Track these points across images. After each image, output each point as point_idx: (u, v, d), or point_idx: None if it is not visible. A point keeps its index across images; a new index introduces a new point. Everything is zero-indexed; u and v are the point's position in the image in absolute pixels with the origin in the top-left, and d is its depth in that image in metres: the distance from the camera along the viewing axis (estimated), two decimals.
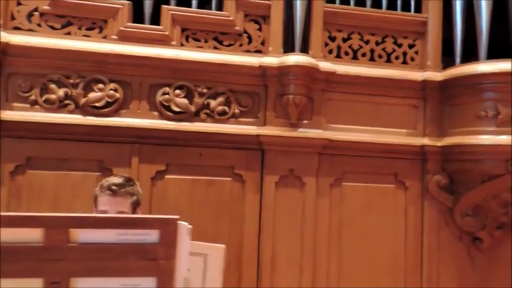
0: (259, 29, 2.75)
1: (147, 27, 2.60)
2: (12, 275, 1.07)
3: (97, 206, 1.87)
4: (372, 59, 2.85)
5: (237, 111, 2.68)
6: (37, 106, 2.46)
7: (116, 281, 1.10)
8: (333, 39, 2.83)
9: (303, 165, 2.69)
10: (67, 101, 2.48)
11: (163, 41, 2.61)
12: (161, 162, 2.57)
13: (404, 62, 2.87)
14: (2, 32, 2.39)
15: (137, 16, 2.66)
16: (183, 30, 2.66)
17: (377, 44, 2.85)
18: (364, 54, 2.85)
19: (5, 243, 1.06)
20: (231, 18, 2.68)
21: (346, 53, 2.84)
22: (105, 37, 2.56)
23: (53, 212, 1.96)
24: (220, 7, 2.72)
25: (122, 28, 2.56)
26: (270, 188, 2.65)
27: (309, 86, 2.69)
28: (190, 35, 2.68)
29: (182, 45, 2.65)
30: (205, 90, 2.62)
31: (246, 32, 2.74)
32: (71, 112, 2.48)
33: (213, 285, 1.20)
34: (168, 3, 2.66)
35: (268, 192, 2.65)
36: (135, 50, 2.53)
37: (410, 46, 2.88)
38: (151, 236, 1.10)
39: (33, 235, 1.06)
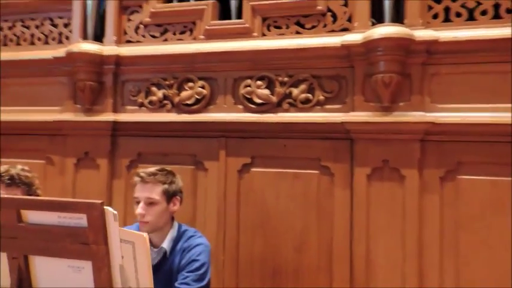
0: (345, 5, 2.43)
1: (228, 23, 2.59)
2: None
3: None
4: (495, 17, 2.20)
5: (321, 98, 2.41)
6: (143, 107, 2.72)
7: (64, 262, 1.13)
8: (439, 0, 2.30)
9: (400, 155, 2.22)
10: (165, 101, 2.67)
11: (244, 33, 2.53)
12: (247, 155, 2.50)
13: None
14: (115, 47, 2.77)
15: (226, 12, 2.70)
16: (264, 20, 2.52)
17: None
18: (484, 12, 2.22)
19: None
20: None
21: (458, 15, 2.25)
22: (194, 38, 2.66)
23: None
24: None
25: (207, 27, 2.61)
26: (361, 181, 2.28)
27: (404, 60, 2.21)
28: (272, 23, 2.53)
29: (264, 35, 2.52)
30: (286, 79, 2.45)
31: (329, 10, 2.45)
32: (168, 111, 2.66)
33: (144, 274, 1.10)
34: None
35: (360, 187, 2.29)
36: (218, 46, 2.53)
37: None
38: (83, 220, 1.08)
39: None
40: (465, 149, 2.15)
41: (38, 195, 2.21)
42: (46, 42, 2.99)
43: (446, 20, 2.25)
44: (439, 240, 2.16)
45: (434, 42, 2.17)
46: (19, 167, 2.19)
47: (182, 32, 2.69)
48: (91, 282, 1.06)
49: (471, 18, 2.21)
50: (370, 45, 2.21)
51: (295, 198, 2.40)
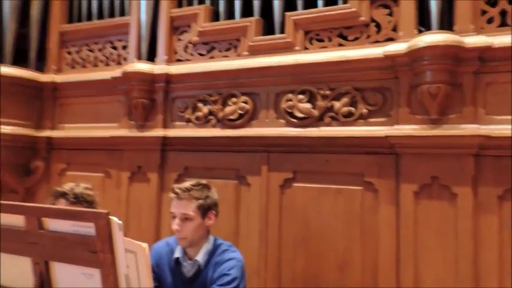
0: (390, 14, 2.32)
1: (270, 38, 2.57)
2: (9, 251, 1.28)
3: None
4: None
5: (364, 111, 2.29)
6: (190, 123, 2.77)
7: (78, 269, 1.16)
8: (493, 4, 2.10)
9: (451, 172, 2.02)
10: (210, 117, 2.70)
11: (286, 48, 2.49)
12: (288, 170, 2.44)
13: None
14: (165, 65, 2.88)
15: (270, 28, 2.70)
16: (306, 33, 2.47)
17: None
18: None
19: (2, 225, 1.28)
20: (354, 9, 2.36)
21: None
22: (238, 54, 2.69)
23: None
24: (345, 0, 2.45)
25: (250, 43, 2.62)
26: (408, 199, 2.12)
27: (453, 69, 2.03)
28: (314, 36, 2.48)
29: (306, 48, 2.48)
30: (328, 92, 2.37)
31: (373, 20, 2.35)
32: (213, 126, 2.69)
33: (145, 284, 1.08)
34: (295, 8, 2.59)
35: (406, 205, 2.12)
36: (260, 61, 2.51)
37: None
38: (92, 229, 1.10)
39: (19, 221, 1.24)
40: None
41: None
42: (107, 64, 3.19)
43: (503, 24, 2.05)
44: (497, 266, 1.93)
45: (488, 49, 1.98)
46: (82, 185, 2.26)
47: (227, 49, 2.73)
48: None
49: None
50: (415, 55, 2.07)
51: (338, 215, 2.29)
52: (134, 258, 1.08)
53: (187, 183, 1.91)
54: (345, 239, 2.26)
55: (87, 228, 1.08)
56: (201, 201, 1.88)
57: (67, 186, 2.22)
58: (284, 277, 2.38)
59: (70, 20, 3.41)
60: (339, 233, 2.27)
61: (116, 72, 2.94)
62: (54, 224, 1.15)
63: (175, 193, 1.87)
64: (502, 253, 1.94)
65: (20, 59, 3.27)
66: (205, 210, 1.90)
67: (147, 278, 1.08)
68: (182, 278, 1.94)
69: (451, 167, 2.03)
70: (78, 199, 2.16)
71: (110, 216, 1.05)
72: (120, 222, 1.06)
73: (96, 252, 1.07)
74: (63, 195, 2.15)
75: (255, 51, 2.60)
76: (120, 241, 1.05)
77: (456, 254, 1.99)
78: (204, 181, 2.03)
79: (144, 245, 1.12)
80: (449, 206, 2.02)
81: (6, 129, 3.14)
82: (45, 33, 3.37)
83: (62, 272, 1.18)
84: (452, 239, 2.00)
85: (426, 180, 2.07)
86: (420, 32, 2.16)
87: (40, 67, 3.35)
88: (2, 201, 1.21)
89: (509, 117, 1.97)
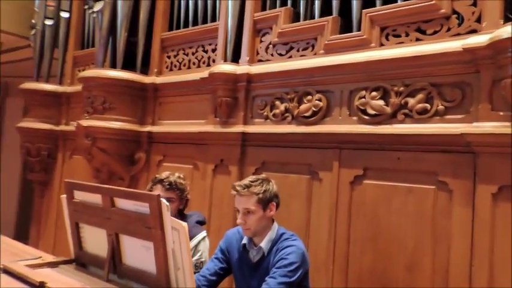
0: (474, 4, 2.13)
1: (346, 36, 2.54)
2: (91, 222, 1.49)
3: None
4: None
5: (441, 107, 2.14)
6: (268, 120, 2.87)
7: (139, 242, 1.32)
8: None
9: None
10: (286, 114, 2.76)
11: (362, 45, 2.44)
12: (359, 166, 2.39)
13: None
14: (247, 66, 3.01)
15: (349, 26, 2.66)
16: (382, 29, 2.40)
17: None
18: None
19: (84, 202, 1.49)
20: (433, 1, 2.22)
21: None
22: (315, 53, 2.71)
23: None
24: None
25: (326, 42, 2.63)
26: (486, 201, 1.94)
27: None
28: (390, 32, 2.39)
29: (382, 45, 2.40)
30: (402, 89, 2.26)
31: (455, 12, 2.19)
32: (289, 123, 2.75)
33: (186, 258, 1.15)
34: (374, 5, 2.52)
35: (483, 207, 1.94)
36: (334, 59, 2.50)
37: None
38: (147, 208, 1.24)
39: (96, 199, 1.44)
40: None
41: (187, 200, 2.55)
42: (198, 66, 3.45)
43: None
44: None
45: None
46: (176, 174, 2.51)
47: (305, 49, 2.77)
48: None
49: None
50: (498, 47, 1.90)
51: (409, 214, 2.19)
52: (178, 235, 1.20)
53: (246, 180, 2.00)
54: (415, 239, 2.15)
55: (144, 208, 1.24)
56: (260, 196, 1.95)
57: (164, 175, 2.47)
58: (351, 273, 2.35)
59: (170, 28, 3.74)
60: (408, 233, 2.18)
61: (204, 73, 3.17)
62: (122, 203, 1.33)
63: (236, 190, 1.97)
64: None
65: (127, 64, 3.68)
66: (265, 202, 1.97)
67: (187, 253, 1.19)
68: (248, 263, 2.04)
69: None
70: (172, 186, 2.40)
71: (161, 198, 1.18)
72: (167, 203, 1.19)
73: (150, 228, 1.21)
74: (160, 181, 2.40)
75: (330, 50, 2.60)
76: (168, 219, 1.18)
77: None
78: (263, 175, 2.11)
79: (184, 224, 1.23)
80: None
81: (117, 124, 3.58)
82: (149, 41, 3.74)
83: (128, 244, 1.35)
84: None
85: (507, 182, 1.89)
86: (508, 19, 1.96)
87: (144, 70, 3.73)
88: (83, 182, 1.42)
89: None
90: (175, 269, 1.20)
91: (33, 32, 4.61)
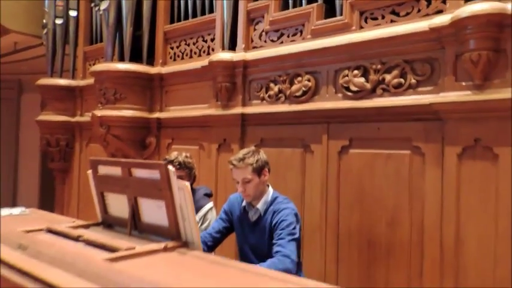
0: None
1: (330, 21, 2.77)
2: (113, 190, 1.79)
3: None
4: None
5: (413, 81, 2.39)
6: (264, 101, 3.14)
7: (154, 202, 1.61)
8: None
9: (493, 134, 2.07)
10: (280, 95, 3.02)
11: (344, 28, 2.69)
12: (345, 138, 2.66)
13: None
14: (243, 53, 3.27)
15: (332, 11, 2.89)
16: (361, 13, 2.64)
17: None
18: None
19: (106, 175, 1.79)
20: None
21: None
22: (303, 38, 2.95)
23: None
24: None
25: (313, 27, 2.86)
26: (452, 160, 2.20)
27: (496, 36, 2.04)
28: (368, 16, 2.62)
29: (361, 27, 2.64)
30: (379, 66, 2.51)
31: None
32: (282, 103, 3.01)
33: (190, 212, 1.44)
34: None
35: (450, 166, 2.20)
36: (320, 43, 2.75)
37: None
38: (158, 175, 1.53)
39: (116, 172, 1.73)
40: None
41: (195, 176, 2.84)
42: (199, 55, 3.72)
43: None
44: None
45: None
46: (184, 154, 2.80)
47: (294, 34, 3.01)
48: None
49: None
50: (458, 25, 2.14)
51: (388, 177, 2.46)
52: (183, 193, 1.48)
53: (240, 154, 2.27)
54: (394, 198, 2.43)
55: (155, 174, 1.52)
56: (254, 165, 2.22)
57: (173, 155, 2.76)
58: (341, 231, 2.64)
59: (172, 21, 3.99)
60: (389, 194, 2.45)
61: (205, 61, 3.43)
62: (137, 172, 1.62)
63: (233, 164, 2.24)
64: None
65: (134, 56, 3.95)
66: (259, 170, 2.24)
67: (191, 206, 1.48)
68: (248, 222, 2.33)
69: (493, 129, 2.07)
70: (181, 165, 2.69)
71: (168, 166, 1.47)
72: (173, 169, 1.47)
73: (161, 189, 1.50)
74: (171, 162, 2.68)
75: (317, 34, 2.84)
76: (175, 182, 1.47)
77: (496, 212, 2.05)
78: (252, 147, 2.38)
79: (187, 183, 1.52)
80: (491, 166, 2.07)
81: (128, 113, 3.88)
82: (153, 34, 4.00)
83: (144, 205, 1.65)
84: (493, 197, 2.06)
85: (469, 143, 2.15)
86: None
87: (150, 62, 4.00)
88: (106, 158, 1.71)
89: None
90: (182, 220, 1.49)
91: (45, 31, 4.89)
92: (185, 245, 1.49)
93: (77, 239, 1.55)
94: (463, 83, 2.18)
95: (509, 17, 2.01)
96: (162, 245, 1.43)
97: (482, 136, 2.10)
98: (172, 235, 1.53)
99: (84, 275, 1.14)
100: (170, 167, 1.47)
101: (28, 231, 1.65)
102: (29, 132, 7.39)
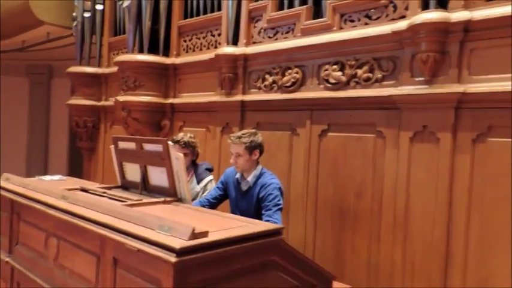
0: None
1: (314, 21, 3.25)
2: (129, 160, 2.37)
3: None
4: None
5: (379, 76, 2.86)
6: (261, 90, 3.66)
7: (158, 169, 2.19)
8: None
9: (436, 121, 2.54)
10: (273, 85, 3.53)
11: (327, 29, 3.17)
12: (324, 123, 3.16)
13: None
14: (244, 47, 3.78)
15: (320, 12, 3.36)
16: (341, 16, 3.11)
17: None
18: None
19: (124, 148, 2.37)
20: None
21: None
22: (294, 36, 3.44)
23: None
24: None
25: (302, 26, 3.35)
26: (405, 143, 2.67)
27: (443, 40, 2.49)
28: (347, 18, 3.08)
29: (341, 28, 3.11)
30: (353, 62, 2.98)
31: (391, 2, 2.85)
32: (275, 92, 3.53)
33: (183, 174, 1.99)
34: None
35: (404, 147, 2.68)
36: (308, 40, 3.22)
37: None
38: (161, 147, 2.10)
39: (131, 146, 2.31)
40: (496, 115, 2.35)
41: (198, 154, 3.42)
42: (208, 48, 4.25)
43: None
44: (467, 193, 2.43)
45: (469, 22, 2.40)
46: (188, 135, 3.38)
47: (287, 32, 3.50)
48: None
49: None
50: (413, 30, 2.59)
51: (357, 156, 2.97)
52: (178, 162, 2.04)
53: (239, 133, 2.81)
54: (361, 174, 2.93)
55: (159, 148, 2.09)
56: (247, 144, 2.75)
57: (179, 136, 3.33)
58: (319, 201, 3.17)
59: (185, 16, 4.53)
60: (357, 170, 2.96)
61: (211, 54, 3.96)
62: (147, 146, 2.20)
63: (231, 140, 2.79)
64: (472, 184, 2.43)
65: (152, 48, 4.53)
66: (251, 149, 2.77)
67: (183, 172, 2.04)
68: (240, 191, 2.88)
69: (436, 118, 2.54)
70: (186, 144, 3.26)
71: (168, 141, 2.03)
72: (172, 143, 2.04)
73: (163, 159, 2.07)
74: (177, 142, 3.26)
75: (305, 33, 3.33)
76: (173, 153, 2.03)
77: (437, 185, 2.53)
78: (253, 130, 2.91)
79: (181, 154, 2.07)
80: (435, 147, 2.55)
81: (146, 98, 4.47)
82: (168, 28, 4.56)
83: (151, 171, 2.23)
84: (435, 173, 2.54)
85: (419, 129, 2.62)
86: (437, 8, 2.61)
87: (165, 53, 4.57)
88: (121, 135, 2.30)
89: (484, 76, 2.39)
90: (178, 182, 2.05)
91: (74, 23, 5.52)
92: (179, 200, 2.06)
93: (102, 194, 2.15)
94: (416, 79, 2.65)
95: (452, 25, 2.46)
96: (162, 199, 2.01)
97: (429, 123, 2.58)
98: (170, 193, 2.10)
99: (108, 213, 1.71)
100: (170, 142, 2.03)
101: (67, 189, 2.25)
102: (58, 114, 8.17)
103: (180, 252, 1.25)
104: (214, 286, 1.41)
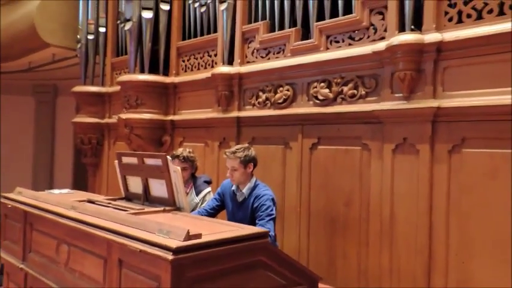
0: (383, 18, 3.04)
1: (303, 42, 3.50)
2: (132, 174, 2.59)
3: None
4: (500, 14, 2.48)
5: (363, 92, 3.09)
6: (255, 107, 3.90)
7: (158, 182, 2.41)
8: (453, 5, 2.69)
9: (415, 134, 2.75)
10: (266, 101, 3.77)
11: (314, 49, 3.42)
12: (315, 136, 3.38)
13: None
14: (238, 67, 4.02)
15: (308, 34, 3.61)
16: (327, 37, 3.36)
17: None
18: (491, 11, 2.52)
19: (127, 163, 2.59)
20: (358, 17, 3.14)
21: (469, 16, 2.61)
22: (285, 56, 3.69)
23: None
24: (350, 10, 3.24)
25: (291, 47, 3.61)
26: (388, 154, 2.88)
27: (418, 60, 2.72)
28: (333, 39, 3.34)
29: (328, 48, 3.36)
30: (339, 80, 3.22)
31: (372, 24, 3.11)
32: (268, 108, 3.76)
33: (181, 185, 2.21)
34: (323, 19, 3.46)
35: (387, 159, 2.89)
36: (297, 60, 3.47)
37: None
38: (160, 162, 2.32)
39: (134, 161, 2.53)
40: (469, 127, 2.57)
41: (197, 167, 3.64)
42: (205, 68, 4.51)
43: (460, 21, 2.66)
44: (446, 201, 2.64)
45: (441, 43, 2.64)
46: (187, 150, 3.61)
47: (278, 52, 3.76)
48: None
49: (480, 17, 2.58)
50: (391, 50, 2.83)
51: (346, 167, 3.18)
52: (176, 175, 2.26)
53: (234, 148, 3.03)
54: (349, 184, 3.14)
55: (159, 162, 2.31)
56: (242, 159, 2.97)
57: (179, 151, 3.56)
58: (312, 211, 3.38)
59: (183, 38, 4.80)
60: (345, 181, 3.17)
61: (208, 73, 4.22)
62: (148, 161, 2.42)
63: (226, 155, 3.00)
64: (449, 191, 2.63)
65: (152, 68, 4.79)
66: (245, 163, 2.99)
67: (181, 183, 2.26)
68: (236, 202, 3.09)
69: (415, 131, 2.76)
70: (185, 159, 3.49)
71: (167, 156, 2.25)
72: (170, 158, 2.26)
73: (163, 172, 2.29)
74: (177, 157, 3.48)
75: (295, 53, 3.58)
76: (171, 166, 2.25)
77: (418, 194, 2.74)
78: (246, 145, 3.13)
79: (178, 168, 2.29)
80: (414, 158, 2.77)
81: (147, 116, 4.72)
82: (168, 49, 4.83)
83: (152, 184, 2.45)
84: (415, 182, 2.75)
85: (400, 141, 2.84)
86: (412, 30, 2.84)
87: (165, 72, 4.83)
88: (124, 151, 2.52)
89: (458, 92, 2.61)
90: (176, 192, 2.27)
91: (79, 45, 5.81)
92: (178, 209, 2.28)
93: (108, 205, 2.36)
94: (396, 95, 2.88)
95: (426, 46, 2.69)
96: (162, 208, 2.23)
97: (409, 136, 2.80)
98: (170, 203, 2.32)
99: (114, 220, 1.92)
100: (168, 156, 2.25)
101: (76, 201, 2.47)
102: (63, 131, 8.44)
103: (176, 251, 1.46)
104: (208, 282, 1.62)
